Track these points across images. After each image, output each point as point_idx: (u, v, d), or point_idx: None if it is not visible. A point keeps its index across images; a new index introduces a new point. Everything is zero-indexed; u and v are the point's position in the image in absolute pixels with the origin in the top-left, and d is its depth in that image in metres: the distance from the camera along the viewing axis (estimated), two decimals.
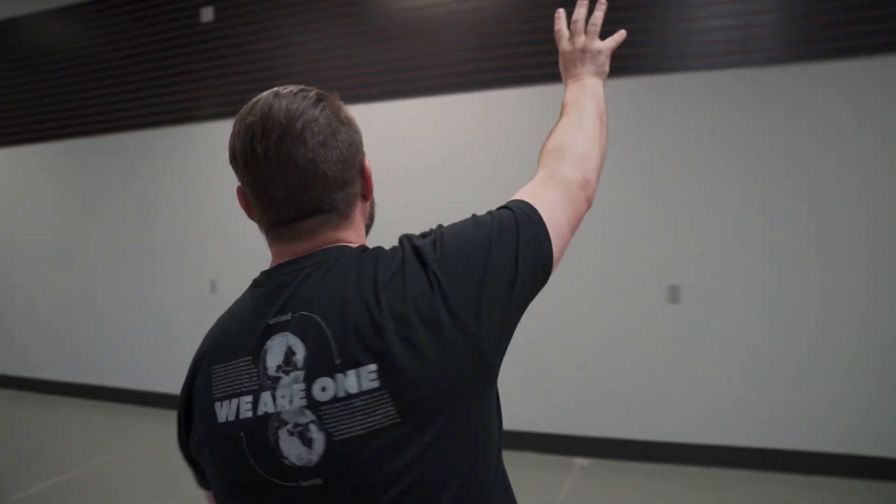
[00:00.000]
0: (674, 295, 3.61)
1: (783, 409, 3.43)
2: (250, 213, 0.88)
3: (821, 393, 3.37)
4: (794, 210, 3.42)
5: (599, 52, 1.17)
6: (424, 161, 4.01)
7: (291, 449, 0.75)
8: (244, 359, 0.79)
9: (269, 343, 0.78)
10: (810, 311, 3.39)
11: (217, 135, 4.68)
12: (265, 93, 0.85)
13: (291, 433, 0.75)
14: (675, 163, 3.62)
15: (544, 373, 3.83)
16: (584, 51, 1.16)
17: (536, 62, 3.75)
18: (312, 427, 0.75)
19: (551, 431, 3.81)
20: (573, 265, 3.59)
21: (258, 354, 0.78)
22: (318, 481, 0.75)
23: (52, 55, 5.34)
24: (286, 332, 0.78)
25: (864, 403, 3.31)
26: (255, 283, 0.87)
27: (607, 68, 1.18)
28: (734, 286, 3.52)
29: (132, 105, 4.98)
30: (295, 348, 0.77)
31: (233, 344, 0.82)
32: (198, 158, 4.78)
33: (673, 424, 3.62)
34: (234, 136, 0.84)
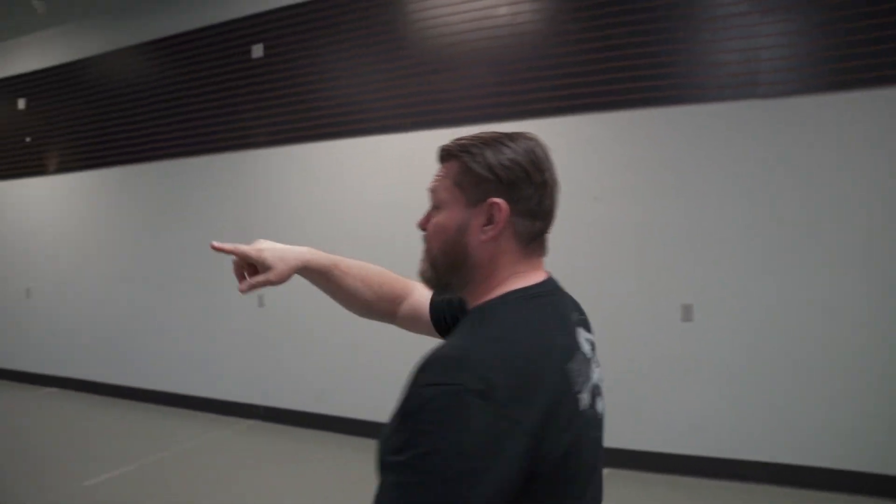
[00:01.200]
0: (687, 314, 3.82)
1: (791, 424, 3.61)
2: (498, 229, 0.94)
3: (825, 408, 3.54)
4: (799, 230, 3.62)
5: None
6: None
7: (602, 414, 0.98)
8: (579, 351, 0.93)
9: (577, 336, 0.95)
10: (817, 328, 3.58)
11: (266, 161, 5.08)
12: (525, 131, 1.00)
13: (600, 402, 0.97)
14: (687, 187, 3.86)
15: None
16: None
17: (556, 95, 4.04)
18: (598, 399, 0.96)
19: None
20: (585, 285, 3.84)
21: (579, 344, 0.94)
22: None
23: (118, 90, 5.86)
24: (580, 328, 0.98)
25: (871, 420, 3.45)
26: (532, 295, 0.94)
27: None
28: (743, 304, 3.72)
29: (189, 134, 5.43)
30: (589, 339, 0.98)
31: (567, 342, 0.91)
32: (249, 182, 5.19)
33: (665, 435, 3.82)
34: (524, 160, 0.95)
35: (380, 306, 1.33)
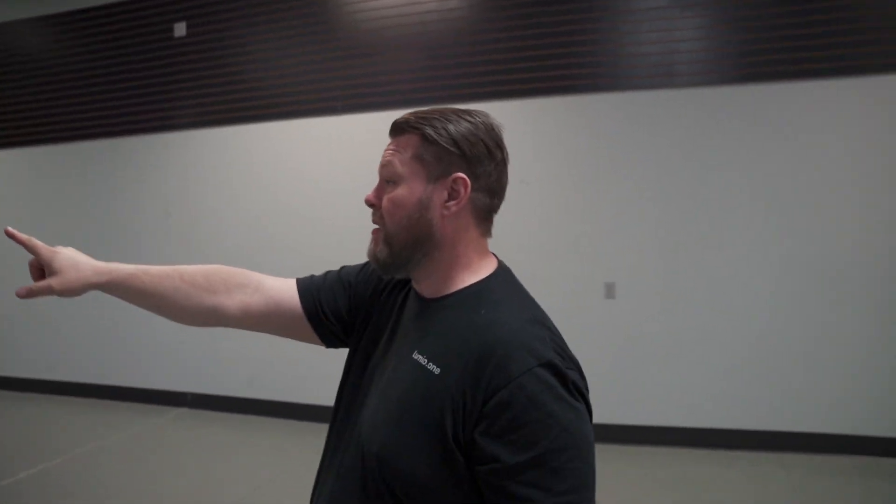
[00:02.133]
0: (610, 291, 4.03)
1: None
2: (461, 204, 0.94)
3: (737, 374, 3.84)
4: (709, 211, 3.89)
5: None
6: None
7: None
8: None
9: None
10: (726, 300, 3.86)
11: (193, 143, 4.96)
12: (476, 109, 0.99)
13: None
14: (606, 173, 4.06)
15: None
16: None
17: (484, 80, 4.16)
18: None
19: None
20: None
21: None
22: None
23: (33, 62, 5.55)
24: None
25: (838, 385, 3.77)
26: (508, 271, 1.02)
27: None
28: (661, 282, 3.97)
29: (111, 114, 5.22)
30: None
31: None
32: (176, 164, 5.05)
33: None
34: (486, 136, 0.95)
35: (215, 304, 1.11)
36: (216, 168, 4.91)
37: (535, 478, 0.79)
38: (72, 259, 1.07)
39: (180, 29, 4.90)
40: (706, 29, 3.91)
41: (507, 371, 0.82)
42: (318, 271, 1.21)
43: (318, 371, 3.18)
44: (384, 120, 3.60)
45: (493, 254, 1.03)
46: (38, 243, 1.06)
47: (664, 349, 3.96)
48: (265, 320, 1.13)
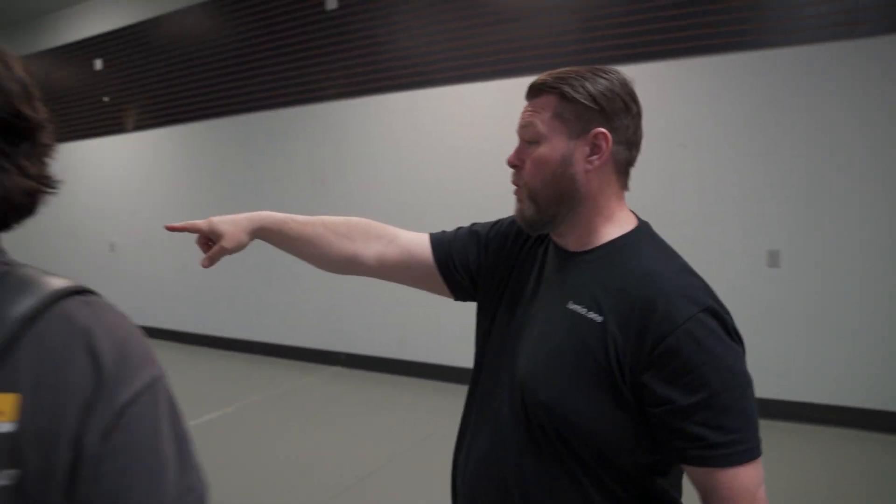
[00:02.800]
0: (773, 259, 3.78)
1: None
2: (604, 159, 0.96)
3: None
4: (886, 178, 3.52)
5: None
6: None
7: None
8: None
9: None
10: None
11: (342, 113, 5.15)
12: (612, 67, 1.01)
13: None
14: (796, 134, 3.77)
15: None
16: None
17: (642, 41, 3.97)
18: None
19: None
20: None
21: None
22: None
23: (192, 47, 5.97)
24: None
25: None
26: (648, 224, 1.04)
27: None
28: (828, 251, 3.66)
29: (263, 88, 5.52)
30: None
31: None
32: (322, 134, 5.27)
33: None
34: (621, 91, 0.97)
35: (354, 251, 1.19)
36: (365, 137, 5.07)
37: (706, 417, 0.84)
38: (227, 220, 1.18)
39: (332, 2, 5.05)
40: None
41: (673, 318, 0.86)
42: None
43: (468, 334, 3.24)
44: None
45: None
46: (195, 223, 1.17)
47: (827, 321, 3.67)
48: (399, 271, 1.20)
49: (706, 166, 3.92)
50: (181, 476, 0.60)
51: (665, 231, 1.05)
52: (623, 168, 0.99)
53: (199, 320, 6.28)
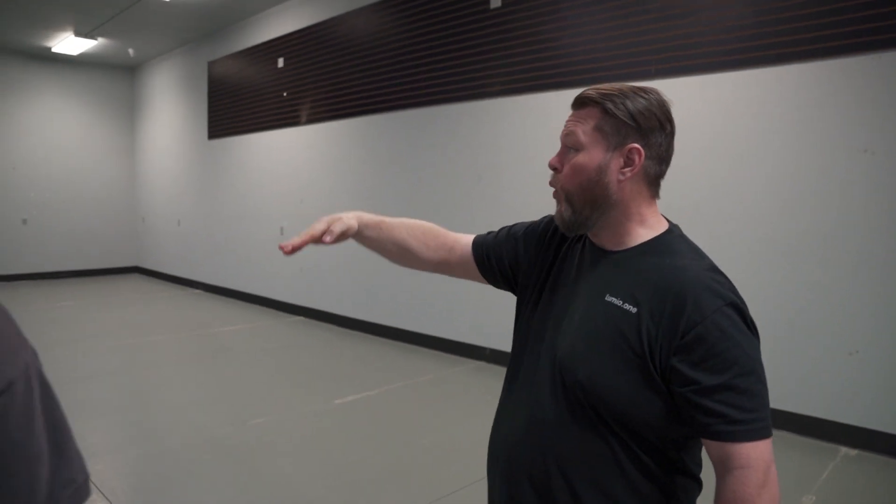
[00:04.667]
0: None
1: None
2: (635, 171, 1.08)
3: None
4: None
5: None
6: (697, 139, 4.07)
7: None
8: None
9: None
10: None
11: (504, 110, 5.19)
12: (653, 87, 1.11)
13: None
14: None
15: (813, 357, 3.75)
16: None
17: (821, 35, 3.61)
18: None
19: (819, 416, 3.74)
20: (841, 249, 3.47)
21: None
22: None
23: (362, 46, 6.29)
24: None
25: None
26: (679, 227, 1.15)
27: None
28: None
29: (428, 84, 5.70)
30: None
31: None
32: (484, 131, 5.35)
33: None
34: (658, 111, 1.08)
35: (432, 258, 1.38)
36: (521, 135, 5.08)
37: (728, 397, 0.96)
38: (351, 216, 1.32)
39: (496, 0, 5.11)
40: None
41: (702, 310, 0.98)
42: None
43: None
44: (701, 85, 3.29)
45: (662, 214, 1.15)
46: (310, 232, 1.25)
47: None
48: (452, 271, 1.40)
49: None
50: (58, 469, 0.56)
51: None
52: (653, 180, 1.11)
53: (353, 305, 6.64)
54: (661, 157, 1.09)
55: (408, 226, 1.37)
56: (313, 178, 7.08)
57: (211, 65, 8.70)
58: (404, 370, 5.18)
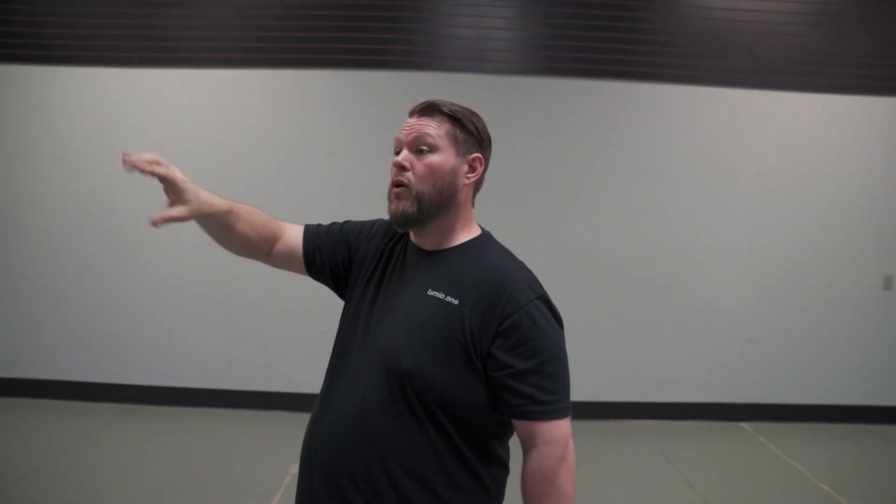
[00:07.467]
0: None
1: None
2: (475, 177, 1.21)
3: None
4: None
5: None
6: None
7: None
8: None
9: None
10: None
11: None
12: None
13: None
14: None
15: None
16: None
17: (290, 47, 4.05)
18: None
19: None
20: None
21: None
22: None
23: None
24: None
25: None
26: (490, 233, 1.26)
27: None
28: None
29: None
30: None
31: None
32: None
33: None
34: (488, 132, 1.23)
35: (259, 246, 1.30)
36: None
37: (536, 380, 1.08)
38: (194, 187, 1.11)
39: None
40: (516, 20, 4.05)
41: (517, 301, 1.10)
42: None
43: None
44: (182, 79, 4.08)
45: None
46: (176, 173, 1.08)
47: None
48: (270, 259, 1.35)
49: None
50: None
51: None
52: (478, 188, 1.24)
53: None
54: (486, 169, 1.23)
55: (240, 206, 1.24)
56: None
57: None
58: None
